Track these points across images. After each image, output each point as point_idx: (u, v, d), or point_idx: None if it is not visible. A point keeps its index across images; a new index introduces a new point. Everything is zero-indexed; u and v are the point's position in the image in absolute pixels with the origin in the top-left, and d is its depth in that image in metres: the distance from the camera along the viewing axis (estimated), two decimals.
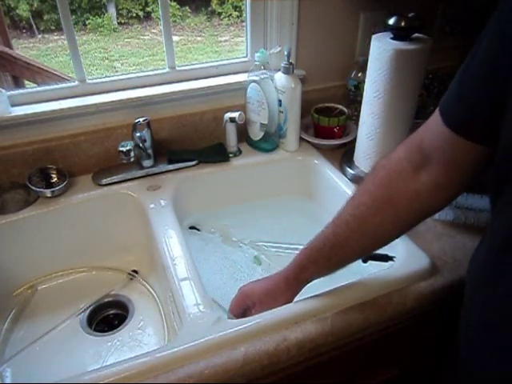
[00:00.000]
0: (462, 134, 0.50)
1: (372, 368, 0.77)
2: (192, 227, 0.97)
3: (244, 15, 1.03)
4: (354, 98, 1.09)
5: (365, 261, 0.71)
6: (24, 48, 4.38)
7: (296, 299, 0.66)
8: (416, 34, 0.80)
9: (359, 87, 1.07)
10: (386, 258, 0.70)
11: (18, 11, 4.52)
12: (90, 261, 0.94)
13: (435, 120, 0.54)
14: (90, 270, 0.94)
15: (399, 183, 0.57)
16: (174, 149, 1.00)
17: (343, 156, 1.01)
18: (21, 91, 0.91)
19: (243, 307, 0.68)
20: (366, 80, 0.85)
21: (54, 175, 0.90)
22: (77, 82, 0.94)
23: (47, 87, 0.92)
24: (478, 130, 0.49)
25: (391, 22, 0.79)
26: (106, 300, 0.88)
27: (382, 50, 0.79)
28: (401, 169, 0.58)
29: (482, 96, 0.47)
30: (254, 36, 1.03)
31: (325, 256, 0.63)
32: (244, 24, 1.04)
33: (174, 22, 4.83)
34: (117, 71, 4.17)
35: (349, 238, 0.61)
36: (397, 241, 0.75)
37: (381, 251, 0.71)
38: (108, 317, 0.88)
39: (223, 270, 0.89)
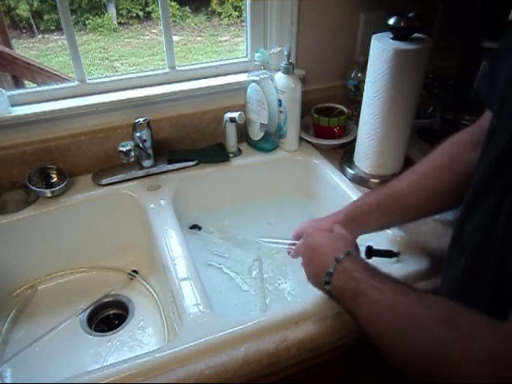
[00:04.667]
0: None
1: (371, 367, 0.77)
2: (193, 226, 0.97)
3: (244, 15, 1.03)
4: (354, 98, 1.09)
5: (369, 257, 0.71)
6: (24, 48, 4.38)
7: (296, 299, 0.66)
8: (416, 34, 0.80)
9: (359, 87, 1.07)
10: (390, 254, 0.70)
11: (18, 11, 4.51)
12: (89, 261, 0.94)
13: None
14: (90, 270, 0.94)
15: (460, 151, 0.62)
16: (174, 149, 1.00)
17: (343, 156, 1.01)
18: (21, 91, 0.91)
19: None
20: (366, 80, 0.85)
21: (54, 175, 0.90)
22: (77, 82, 0.94)
23: (47, 87, 0.92)
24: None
25: (391, 21, 0.79)
26: (106, 300, 0.88)
27: (381, 49, 0.79)
28: (464, 140, 0.62)
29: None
30: (254, 36, 1.03)
31: (382, 203, 0.67)
32: (244, 24, 1.04)
33: (174, 21, 4.83)
34: (117, 71, 4.17)
35: (406, 191, 0.65)
36: (397, 240, 0.76)
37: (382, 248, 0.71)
38: (108, 317, 0.88)
39: (223, 270, 0.89)
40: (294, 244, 0.72)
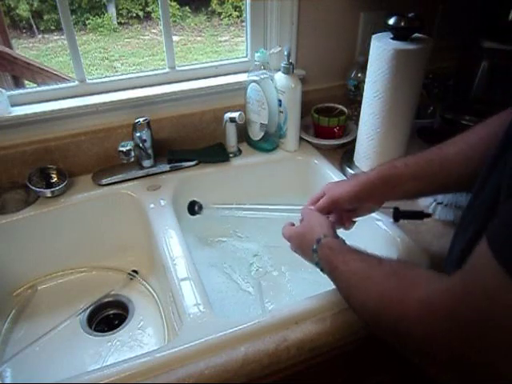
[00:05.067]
0: None
1: (371, 368, 0.77)
2: (192, 202, 0.90)
3: (244, 15, 1.03)
4: (354, 98, 1.09)
5: (396, 219, 0.69)
6: (24, 48, 4.38)
7: (296, 299, 0.67)
8: (416, 34, 0.80)
9: (359, 87, 1.07)
10: (421, 216, 0.68)
11: (18, 11, 4.51)
12: (89, 261, 0.94)
13: None
14: (90, 270, 0.94)
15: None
16: (174, 149, 1.00)
17: (343, 156, 1.01)
18: (21, 91, 0.91)
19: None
20: (366, 80, 0.85)
21: (54, 175, 0.90)
22: (77, 82, 0.94)
23: (47, 87, 0.92)
24: None
25: (391, 21, 0.79)
26: (106, 300, 0.88)
27: (381, 49, 0.79)
28: None
29: None
30: (254, 36, 1.03)
31: (421, 166, 0.62)
32: (244, 24, 1.04)
33: (174, 21, 4.82)
34: (117, 71, 4.17)
35: (453, 159, 0.60)
36: (397, 240, 0.76)
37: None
38: (108, 317, 0.88)
39: (223, 270, 0.89)
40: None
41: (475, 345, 0.37)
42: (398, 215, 0.69)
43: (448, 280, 0.40)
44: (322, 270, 0.60)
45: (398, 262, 0.53)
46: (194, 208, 0.90)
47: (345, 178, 0.94)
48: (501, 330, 0.35)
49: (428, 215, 0.70)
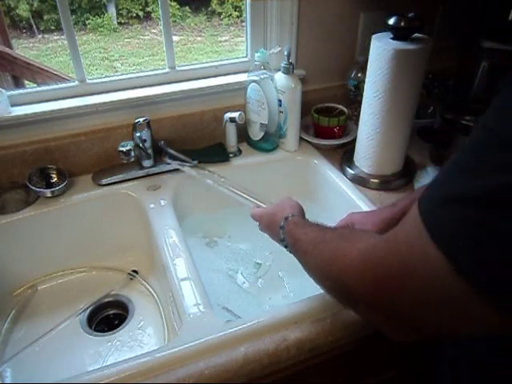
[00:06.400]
0: None
1: (371, 368, 0.77)
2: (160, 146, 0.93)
3: (244, 15, 1.03)
4: (354, 98, 1.09)
5: None
6: (24, 48, 4.38)
7: (296, 299, 0.67)
8: (416, 34, 0.80)
9: (359, 87, 1.07)
10: None
11: (18, 11, 4.51)
12: (89, 261, 0.94)
13: None
14: (90, 270, 0.94)
15: None
16: (174, 149, 1.00)
17: (343, 156, 1.01)
18: (21, 91, 0.91)
19: None
20: (366, 80, 0.85)
21: (54, 175, 0.90)
22: (77, 82, 0.94)
23: (47, 87, 0.92)
24: None
25: (391, 21, 0.79)
26: (106, 300, 0.88)
27: (381, 49, 0.79)
28: None
29: None
30: (254, 36, 1.03)
31: None
32: (244, 24, 1.04)
33: (174, 22, 4.83)
34: (117, 71, 4.17)
35: None
36: None
37: None
38: (108, 317, 0.88)
39: (223, 271, 0.89)
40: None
41: (397, 293, 0.39)
42: None
43: (385, 234, 0.43)
44: (286, 247, 0.64)
45: (347, 228, 0.57)
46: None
47: (345, 177, 0.94)
48: (417, 279, 0.36)
49: None
